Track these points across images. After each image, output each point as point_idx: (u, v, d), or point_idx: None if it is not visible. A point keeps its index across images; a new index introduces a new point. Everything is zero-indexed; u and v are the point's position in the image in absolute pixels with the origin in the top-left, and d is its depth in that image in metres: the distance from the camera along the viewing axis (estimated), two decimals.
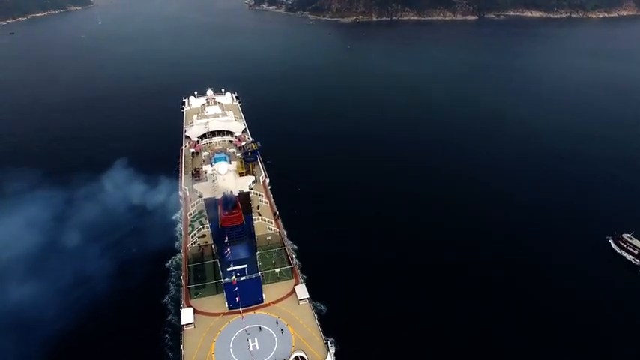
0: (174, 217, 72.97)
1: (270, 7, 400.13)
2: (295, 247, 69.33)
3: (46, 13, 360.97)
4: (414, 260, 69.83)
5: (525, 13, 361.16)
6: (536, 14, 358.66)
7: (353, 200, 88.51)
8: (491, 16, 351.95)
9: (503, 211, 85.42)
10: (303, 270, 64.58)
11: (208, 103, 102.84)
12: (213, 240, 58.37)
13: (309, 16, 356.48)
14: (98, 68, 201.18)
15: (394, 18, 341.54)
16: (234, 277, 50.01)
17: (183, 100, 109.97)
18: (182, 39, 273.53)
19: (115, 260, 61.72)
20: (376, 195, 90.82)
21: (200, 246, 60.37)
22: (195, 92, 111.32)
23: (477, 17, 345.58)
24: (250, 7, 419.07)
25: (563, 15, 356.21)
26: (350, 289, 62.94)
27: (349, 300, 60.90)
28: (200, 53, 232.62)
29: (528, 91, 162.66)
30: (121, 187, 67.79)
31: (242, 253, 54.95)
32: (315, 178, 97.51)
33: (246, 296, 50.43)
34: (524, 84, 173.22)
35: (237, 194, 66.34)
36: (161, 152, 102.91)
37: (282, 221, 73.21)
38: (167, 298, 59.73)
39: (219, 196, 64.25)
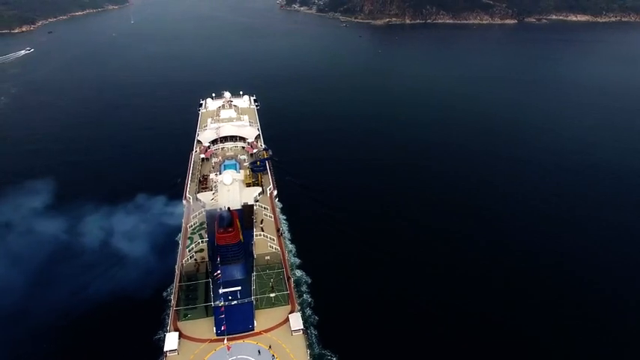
0: (177, 238, 66.62)
1: (302, 8, 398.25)
2: (302, 272, 64.12)
3: (85, 12, 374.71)
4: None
5: (570, 17, 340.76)
6: (582, 18, 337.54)
7: (374, 214, 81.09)
8: (532, 20, 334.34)
9: (550, 230, 78.29)
10: (305, 293, 59.98)
11: (224, 106, 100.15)
12: (209, 257, 54.65)
13: (340, 17, 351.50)
14: (121, 68, 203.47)
15: (428, 21, 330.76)
16: (222, 302, 46.18)
17: (201, 101, 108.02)
18: (210, 39, 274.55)
19: (107, 290, 56.10)
20: (402, 212, 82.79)
21: (196, 262, 56.83)
22: (213, 94, 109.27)
23: (516, 21, 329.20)
24: (282, 7, 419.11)
25: (613, 19, 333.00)
26: (355, 331, 55.62)
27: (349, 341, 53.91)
28: (226, 54, 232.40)
29: (573, 103, 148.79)
30: (117, 203, 64.61)
31: (237, 273, 51.02)
32: (333, 188, 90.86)
33: (236, 322, 46.46)
34: (569, 95, 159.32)
35: (240, 207, 63.43)
36: (175, 158, 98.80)
37: (295, 239, 68.79)
38: (161, 334, 50.95)
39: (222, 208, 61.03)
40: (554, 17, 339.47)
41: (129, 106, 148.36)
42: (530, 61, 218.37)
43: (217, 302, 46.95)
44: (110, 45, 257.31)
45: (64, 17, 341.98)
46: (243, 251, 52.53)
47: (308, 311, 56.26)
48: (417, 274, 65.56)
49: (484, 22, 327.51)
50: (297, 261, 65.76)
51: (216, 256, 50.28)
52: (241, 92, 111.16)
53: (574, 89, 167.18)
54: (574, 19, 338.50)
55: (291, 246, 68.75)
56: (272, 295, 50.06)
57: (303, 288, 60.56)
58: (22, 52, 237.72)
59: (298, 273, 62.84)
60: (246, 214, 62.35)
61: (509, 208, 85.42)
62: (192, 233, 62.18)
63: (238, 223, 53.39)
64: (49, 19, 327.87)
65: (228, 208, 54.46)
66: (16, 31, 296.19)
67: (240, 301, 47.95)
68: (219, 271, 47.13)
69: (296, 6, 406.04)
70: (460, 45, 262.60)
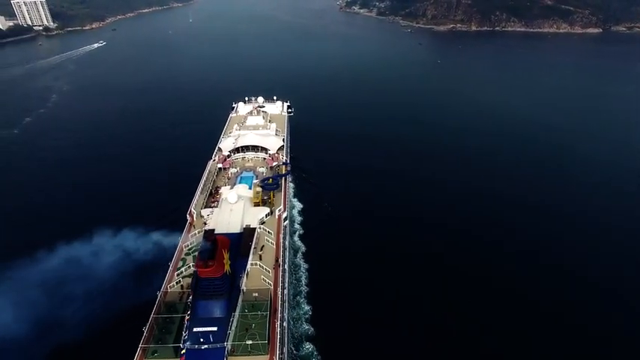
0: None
1: (361, 10, 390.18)
2: (311, 346, 55.70)
3: (151, 10, 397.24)
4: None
5: None
6: None
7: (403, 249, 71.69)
8: (621, 28, 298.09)
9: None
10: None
11: (252, 112, 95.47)
12: (191, 286, 48.82)
13: (400, 21, 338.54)
14: (168, 67, 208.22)
15: (496, 28, 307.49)
16: (185, 349, 40.14)
17: (233, 104, 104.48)
18: (262, 40, 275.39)
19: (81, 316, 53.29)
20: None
21: (182, 289, 51.09)
22: (246, 98, 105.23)
23: (600, 30, 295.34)
24: (341, 8, 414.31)
25: None
26: None
27: None
28: (275, 55, 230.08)
29: None
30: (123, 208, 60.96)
31: (217, 311, 44.53)
32: (369, 224, 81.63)
33: None
34: None
35: (241, 230, 57.44)
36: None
37: (313, 298, 61.08)
38: None
39: (221, 230, 55.37)
40: None
41: (165, 107, 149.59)
42: (618, 80, 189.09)
43: (188, 344, 41.12)
44: (164, 44, 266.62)
45: (132, 14, 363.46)
46: (228, 285, 46.06)
47: None
48: None
49: (561, 30, 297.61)
50: (310, 330, 57.32)
51: (195, 289, 44.48)
52: (275, 97, 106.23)
53: None
54: None
55: (307, 307, 61.01)
56: (249, 342, 43.08)
57: None
58: (96, 44, 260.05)
59: (307, 347, 54.81)
60: (244, 239, 56.13)
61: None
62: (186, 254, 56.77)
63: (225, 253, 47.05)
64: (118, 16, 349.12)
65: (214, 237, 47.83)
66: (87, 28, 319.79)
67: (212, 346, 41.72)
68: (188, 313, 41.06)
69: (356, 8, 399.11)
70: (533, 58, 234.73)
